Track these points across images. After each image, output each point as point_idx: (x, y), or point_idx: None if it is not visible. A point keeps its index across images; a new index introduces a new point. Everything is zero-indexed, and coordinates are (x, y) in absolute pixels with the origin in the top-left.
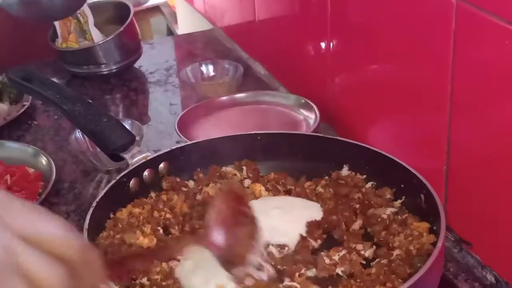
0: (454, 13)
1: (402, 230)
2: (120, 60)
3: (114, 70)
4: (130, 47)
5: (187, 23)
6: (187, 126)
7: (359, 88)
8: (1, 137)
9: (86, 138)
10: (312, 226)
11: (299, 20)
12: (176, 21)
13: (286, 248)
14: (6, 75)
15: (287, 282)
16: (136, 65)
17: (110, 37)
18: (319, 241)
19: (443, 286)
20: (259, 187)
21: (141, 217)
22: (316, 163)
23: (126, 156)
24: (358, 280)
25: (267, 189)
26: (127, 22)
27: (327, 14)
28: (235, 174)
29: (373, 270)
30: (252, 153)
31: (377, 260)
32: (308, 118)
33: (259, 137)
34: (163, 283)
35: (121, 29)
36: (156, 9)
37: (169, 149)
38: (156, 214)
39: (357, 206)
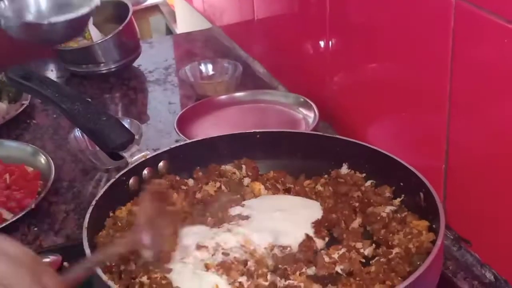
0: (453, 12)
1: (402, 228)
2: (119, 59)
3: (113, 69)
4: (129, 46)
5: (186, 22)
6: (186, 125)
7: (358, 87)
8: (0, 136)
9: (85, 137)
10: (318, 225)
11: (298, 19)
12: (175, 20)
13: (289, 248)
14: (5, 74)
15: (288, 280)
16: (135, 64)
17: (109, 36)
18: (327, 239)
19: (442, 284)
20: (258, 186)
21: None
22: (315, 162)
23: (126, 154)
24: (357, 279)
25: (266, 188)
26: (126, 21)
27: (326, 13)
28: (234, 173)
29: (373, 268)
30: (251, 151)
31: (376, 258)
32: (307, 117)
33: (258, 136)
34: (163, 282)
35: (120, 28)
36: (155, 8)
37: (168, 148)
38: None
39: (357, 204)
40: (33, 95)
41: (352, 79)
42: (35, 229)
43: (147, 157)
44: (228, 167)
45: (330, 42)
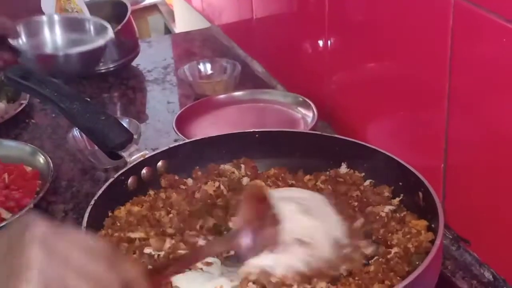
0: (451, 10)
1: (401, 228)
2: (117, 59)
3: (111, 69)
4: (128, 46)
5: (185, 21)
6: (185, 124)
7: (357, 86)
8: None
9: (84, 136)
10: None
11: (297, 18)
12: (173, 20)
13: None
14: (4, 73)
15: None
16: (134, 63)
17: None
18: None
19: (441, 283)
20: (259, 183)
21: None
22: (314, 161)
23: (124, 154)
24: (356, 278)
25: (267, 185)
26: (124, 21)
27: (325, 12)
28: (233, 172)
29: (372, 268)
30: (250, 151)
31: (375, 258)
32: (306, 116)
33: (257, 135)
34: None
35: (119, 27)
36: (153, 7)
37: (167, 147)
38: (156, 213)
39: (356, 204)
40: (32, 95)
41: (351, 79)
42: None
43: (146, 156)
44: (227, 167)
45: (329, 41)
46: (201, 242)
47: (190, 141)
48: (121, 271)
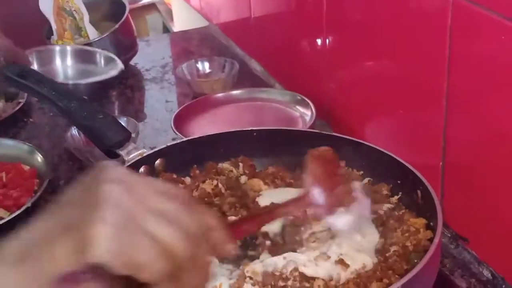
0: (450, 8)
1: (399, 226)
2: None
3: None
4: (126, 44)
5: (183, 20)
6: (183, 123)
7: (355, 84)
8: None
9: (82, 135)
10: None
11: (295, 17)
12: (172, 19)
13: None
14: (1, 71)
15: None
16: (132, 62)
17: (106, 34)
18: None
19: (440, 282)
20: (257, 182)
21: None
22: None
23: (122, 152)
24: (354, 276)
25: (265, 183)
26: (122, 19)
27: (323, 11)
28: (231, 171)
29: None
30: (248, 149)
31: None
32: (304, 115)
33: (255, 134)
34: None
35: (117, 26)
36: (152, 6)
37: (164, 146)
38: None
39: None
40: (30, 93)
41: (349, 77)
42: None
43: (144, 155)
44: (225, 165)
45: (327, 40)
46: None
47: (188, 140)
48: (201, 217)
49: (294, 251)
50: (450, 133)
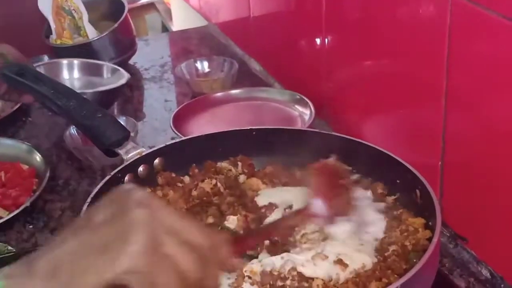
0: (449, 8)
1: (398, 226)
2: (114, 57)
3: None
4: (125, 44)
5: (182, 19)
6: (182, 122)
7: (354, 84)
8: None
9: (81, 134)
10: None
11: (294, 16)
12: (171, 18)
13: None
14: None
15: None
16: (131, 61)
17: (105, 33)
18: None
19: (439, 281)
20: (256, 181)
21: None
22: (311, 159)
23: (121, 151)
24: (353, 276)
25: (264, 183)
26: (121, 18)
27: (322, 10)
28: (230, 170)
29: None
30: (247, 148)
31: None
32: (303, 114)
33: (254, 133)
34: None
35: (116, 25)
36: (151, 6)
37: (163, 145)
38: None
39: None
40: (28, 92)
41: (348, 76)
42: (31, 227)
43: (143, 154)
44: (224, 164)
45: (326, 39)
46: None
47: (187, 139)
48: (210, 237)
49: (288, 251)
50: (449, 133)
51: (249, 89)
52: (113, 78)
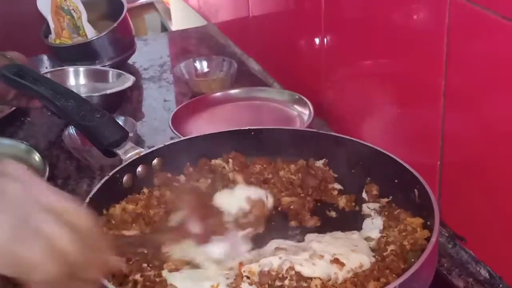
0: (448, 7)
1: (396, 225)
2: (114, 56)
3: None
4: (124, 43)
5: (181, 19)
6: (181, 122)
7: (353, 84)
8: None
9: (80, 134)
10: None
11: (293, 16)
12: (170, 18)
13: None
14: None
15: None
16: (130, 61)
17: (104, 33)
18: None
19: (437, 281)
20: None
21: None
22: (309, 159)
23: (119, 152)
24: (351, 276)
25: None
26: (120, 18)
27: (321, 10)
28: (224, 167)
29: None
30: (246, 148)
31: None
32: (302, 114)
33: (253, 133)
34: (157, 279)
35: (115, 25)
36: (150, 5)
37: (162, 145)
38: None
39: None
40: (27, 93)
41: (347, 76)
42: None
43: (141, 154)
44: (217, 161)
45: (325, 39)
46: None
47: (186, 139)
48: (95, 224)
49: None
50: (448, 133)
51: (248, 89)
52: (118, 82)
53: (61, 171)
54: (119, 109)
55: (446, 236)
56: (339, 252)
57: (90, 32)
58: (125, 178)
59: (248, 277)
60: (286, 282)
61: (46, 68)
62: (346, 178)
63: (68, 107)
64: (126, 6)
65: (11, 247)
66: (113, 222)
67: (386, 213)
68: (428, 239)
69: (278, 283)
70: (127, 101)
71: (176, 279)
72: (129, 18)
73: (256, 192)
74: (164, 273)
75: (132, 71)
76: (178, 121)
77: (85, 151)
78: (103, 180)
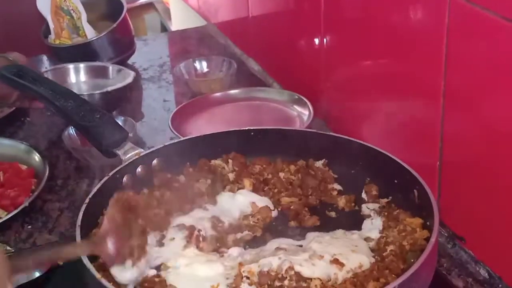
0: (447, 8)
1: (395, 226)
2: (113, 57)
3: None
4: (124, 44)
5: (181, 19)
6: (180, 123)
7: (353, 84)
8: None
9: (79, 134)
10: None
11: (293, 16)
12: (169, 18)
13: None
14: None
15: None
16: (130, 61)
17: (104, 33)
18: None
19: (437, 282)
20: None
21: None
22: (309, 159)
23: (119, 152)
24: (351, 276)
25: (251, 182)
26: (120, 18)
27: (321, 10)
28: (223, 168)
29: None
30: (246, 148)
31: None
32: (301, 114)
33: (252, 133)
34: (156, 279)
35: (115, 25)
36: (149, 5)
37: (162, 145)
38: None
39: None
40: (27, 93)
41: (347, 76)
42: (29, 227)
43: (141, 154)
44: (217, 162)
45: (324, 39)
46: None
47: (186, 139)
48: None
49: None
50: (447, 133)
51: (247, 89)
52: (118, 77)
53: (61, 171)
54: (119, 109)
55: (445, 236)
56: (338, 252)
57: (90, 33)
58: (125, 178)
59: (247, 277)
60: (286, 282)
61: (46, 68)
62: (345, 179)
63: (67, 108)
64: (125, 6)
65: None
66: None
67: (385, 213)
68: (427, 239)
69: (277, 283)
70: (127, 101)
71: (176, 279)
72: (128, 18)
73: (261, 200)
74: (163, 273)
75: (132, 71)
76: (177, 121)
77: (85, 151)
78: (103, 180)
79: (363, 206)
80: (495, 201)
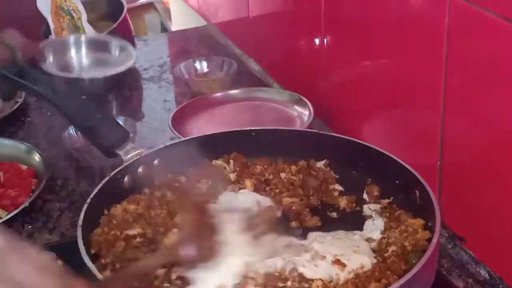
0: (447, 8)
1: (397, 226)
2: None
3: None
4: None
5: (181, 19)
6: (181, 123)
7: (353, 84)
8: None
9: (80, 134)
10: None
11: (293, 16)
12: (170, 18)
13: None
14: None
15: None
16: None
17: (104, 33)
18: None
19: (437, 282)
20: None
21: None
22: (309, 159)
23: (120, 152)
24: (353, 277)
25: (252, 182)
26: (120, 18)
27: (321, 10)
28: (225, 168)
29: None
30: (246, 149)
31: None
32: (302, 114)
33: (253, 133)
34: None
35: (115, 25)
36: (150, 5)
37: (163, 146)
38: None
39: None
40: (27, 93)
41: (347, 77)
42: (29, 227)
43: (142, 155)
44: (218, 162)
45: (325, 40)
46: None
47: (186, 139)
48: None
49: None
50: (447, 133)
51: (248, 89)
52: (121, 56)
53: (61, 171)
54: (118, 109)
55: (446, 236)
56: (340, 253)
57: (90, 33)
58: (126, 178)
59: (252, 278)
60: (289, 283)
61: (46, 61)
62: (347, 179)
63: (68, 108)
64: (126, 6)
65: None
66: (114, 222)
67: (387, 214)
68: (429, 240)
69: (280, 284)
70: (127, 101)
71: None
72: (129, 19)
73: (265, 200)
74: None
75: (132, 71)
76: (178, 121)
77: (85, 151)
78: (104, 181)
79: (365, 206)
80: (495, 201)
